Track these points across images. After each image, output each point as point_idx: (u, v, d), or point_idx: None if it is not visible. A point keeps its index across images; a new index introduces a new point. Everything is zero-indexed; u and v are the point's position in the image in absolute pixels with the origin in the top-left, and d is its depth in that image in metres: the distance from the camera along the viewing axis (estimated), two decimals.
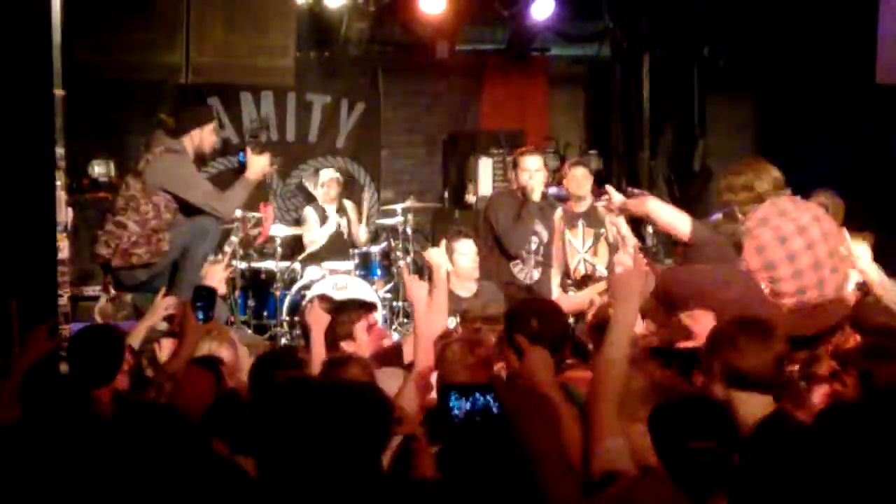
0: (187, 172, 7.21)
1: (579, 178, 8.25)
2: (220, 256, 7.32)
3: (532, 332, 4.09)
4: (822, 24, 10.36)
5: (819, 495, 2.72)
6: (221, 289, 7.80)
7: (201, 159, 7.72)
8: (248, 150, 7.42)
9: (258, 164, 7.35)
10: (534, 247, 8.05)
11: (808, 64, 10.80)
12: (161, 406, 3.94)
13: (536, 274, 8.08)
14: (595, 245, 7.99)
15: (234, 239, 8.48)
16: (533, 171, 7.95)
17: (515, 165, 8.12)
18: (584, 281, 7.87)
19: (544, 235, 8.07)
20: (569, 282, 8.00)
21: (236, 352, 5.41)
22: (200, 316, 4.73)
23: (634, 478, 2.86)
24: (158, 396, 4.25)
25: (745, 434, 3.47)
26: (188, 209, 7.22)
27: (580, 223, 8.08)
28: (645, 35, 11.54)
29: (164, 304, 5.94)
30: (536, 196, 7.94)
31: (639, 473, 2.94)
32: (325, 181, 10.48)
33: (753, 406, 3.61)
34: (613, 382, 3.17)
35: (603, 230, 7.91)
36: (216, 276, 6.33)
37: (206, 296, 4.81)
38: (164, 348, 5.47)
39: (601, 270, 7.85)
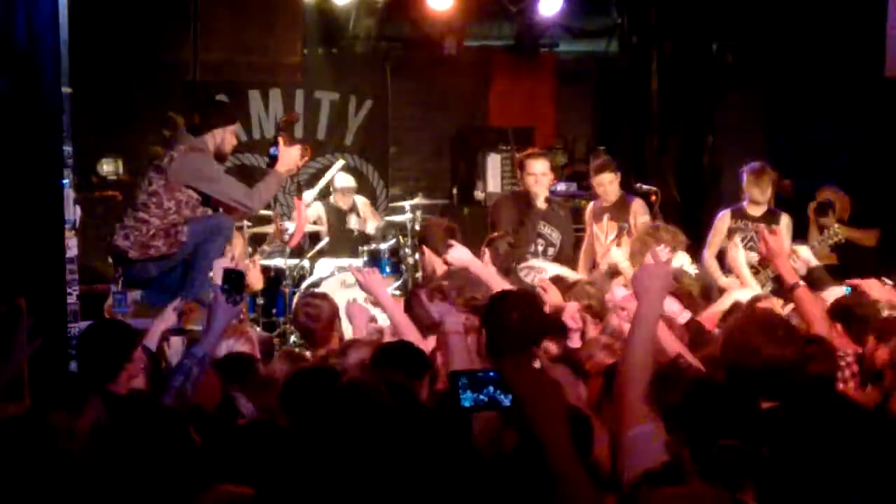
0: (212, 168, 7.17)
1: (606, 186, 8.47)
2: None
3: (511, 324, 4.24)
4: (831, 20, 10.34)
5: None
6: (258, 284, 7.84)
7: (217, 159, 7.69)
8: (280, 142, 7.21)
9: (290, 157, 7.18)
10: (540, 248, 7.99)
11: (817, 59, 10.78)
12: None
13: (546, 275, 8.03)
14: (618, 238, 7.97)
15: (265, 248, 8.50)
16: (539, 174, 7.85)
17: (522, 167, 8.00)
18: (612, 275, 7.83)
19: (553, 237, 8.01)
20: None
21: (255, 346, 5.41)
22: (228, 298, 4.48)
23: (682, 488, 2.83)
24: (185, 384, 4.19)
25: None
26: (212, 205, 7.20)
27: (605, 217, 8.32)
28: (653, 31, 11.51)
29: (174, 306, 5.91)
30: (541, 202, 7.86)
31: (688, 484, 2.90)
32: (340, 188, 10.49)
33: None
34: (639, 371, 3.33)
35: (625, 224, 7.99)
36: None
37: (234, 279, 4.56)
38: (173, 345, 5.50)
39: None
